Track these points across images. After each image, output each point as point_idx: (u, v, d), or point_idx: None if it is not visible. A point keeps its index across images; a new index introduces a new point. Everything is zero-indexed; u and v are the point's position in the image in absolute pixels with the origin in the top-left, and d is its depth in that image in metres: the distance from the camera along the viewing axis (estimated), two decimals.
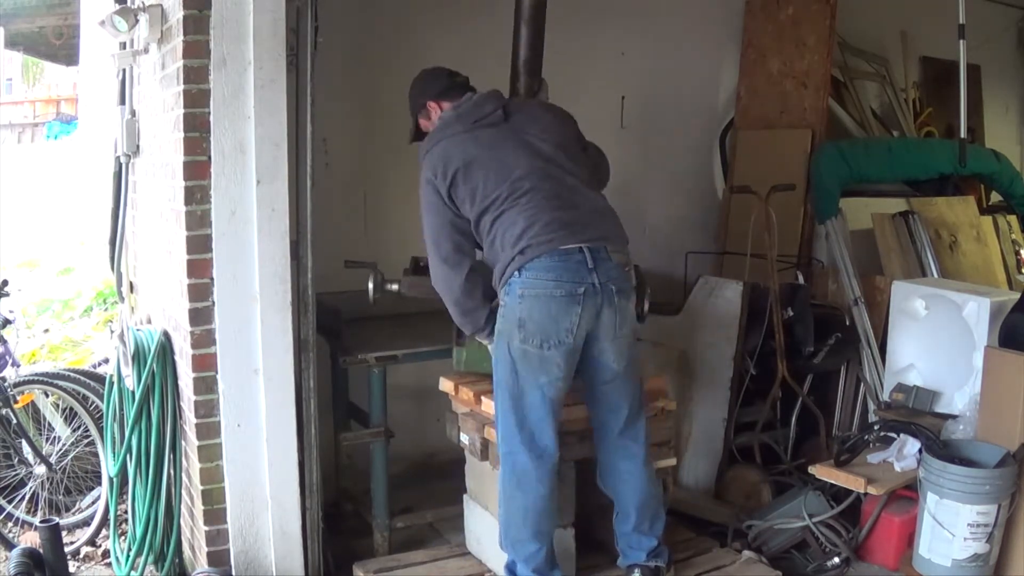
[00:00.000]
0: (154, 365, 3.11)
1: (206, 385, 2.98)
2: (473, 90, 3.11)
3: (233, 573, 3.04)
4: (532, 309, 2.78)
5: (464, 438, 3.20)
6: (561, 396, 2.88)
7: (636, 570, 3.06)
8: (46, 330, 4.94)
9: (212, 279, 2.93)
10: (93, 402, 3.74)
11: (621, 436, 3.00)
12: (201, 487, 3.03)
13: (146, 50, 3.25)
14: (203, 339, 2.95)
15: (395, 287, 3.21)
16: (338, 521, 3.66)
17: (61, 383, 3.75)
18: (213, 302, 2.94)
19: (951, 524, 3.01)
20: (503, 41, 3.44)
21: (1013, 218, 5.58)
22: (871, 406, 4.21)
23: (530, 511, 2.87)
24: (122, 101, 3.58)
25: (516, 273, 2.80)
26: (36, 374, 3.80)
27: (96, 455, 3.79)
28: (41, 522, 3.15)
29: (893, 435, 3.37)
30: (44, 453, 3.78)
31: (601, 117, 3.22)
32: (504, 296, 2.86)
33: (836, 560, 3.37)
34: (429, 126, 3.11)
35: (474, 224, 2.90)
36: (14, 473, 3.78)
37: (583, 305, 2.79)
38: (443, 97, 3.09)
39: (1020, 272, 5.36)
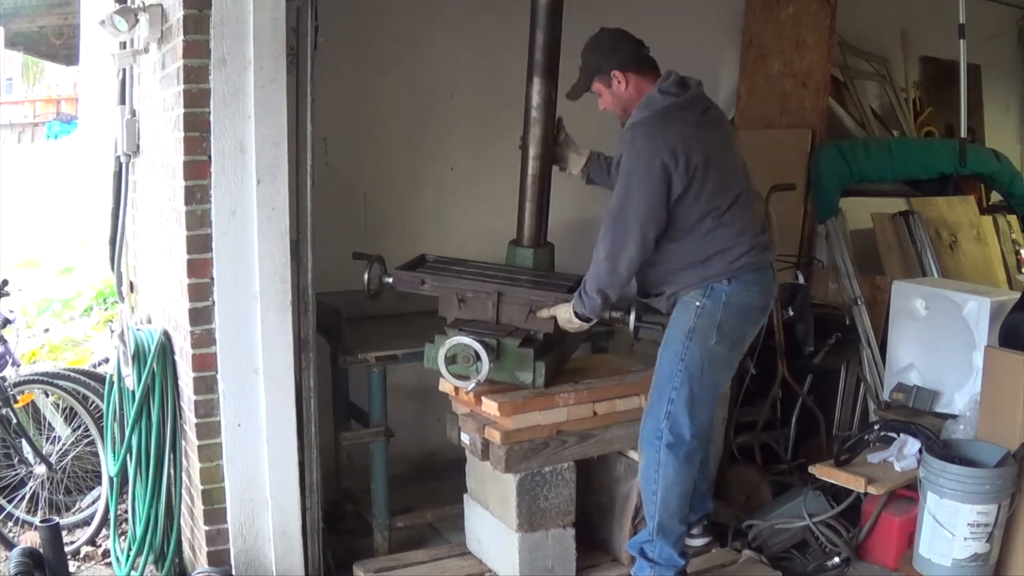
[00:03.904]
0: (154, 365, 3.11)
1: (206, 385, 2.98)
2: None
3: (233, 573, 3.04)
4: (734, 315, 2.92)
5: (465, 438, 3.19)
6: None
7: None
8: (46, 330, 4.94)
9: (212, 279, 2.93)
10: (93, 402, 3.74)
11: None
12: (201, 487, 3.03)
13: (146, 50, 3.25)
14: (203, 339, 2.95)
15: (390, 280, 3.24)
16: (338, 521, 3.66)
17: (61, 383, 3.75)
18: (213, 302, 2.94)
19: (951, 524, 3.01)
20: (508, 42, 3.43)
21: (1013, 218, 5.57)
22: (871, 406, 4.20)
23: (686, 495, 2.99)
24: (122, 101, 3.58)
25: (725, 282, 2.91)
26: (36, 374, 3.80)
27: (96, 455, 3.79)
28: (41, 522, 3.15)
29: (893, 435, 3.37)
30: (44, 453, 3.78)
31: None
32: (702, 298, 2.91)
33: (836, 560, 3.37)
34: (606, 92, 3.01)
35: (686, 224, 2.87)
36: (14, 473, 3.78)
37: (765, 316, 3.08)
38: (634, 68, 2.98)
39: (1020, 272, 5.36)
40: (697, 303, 2.91)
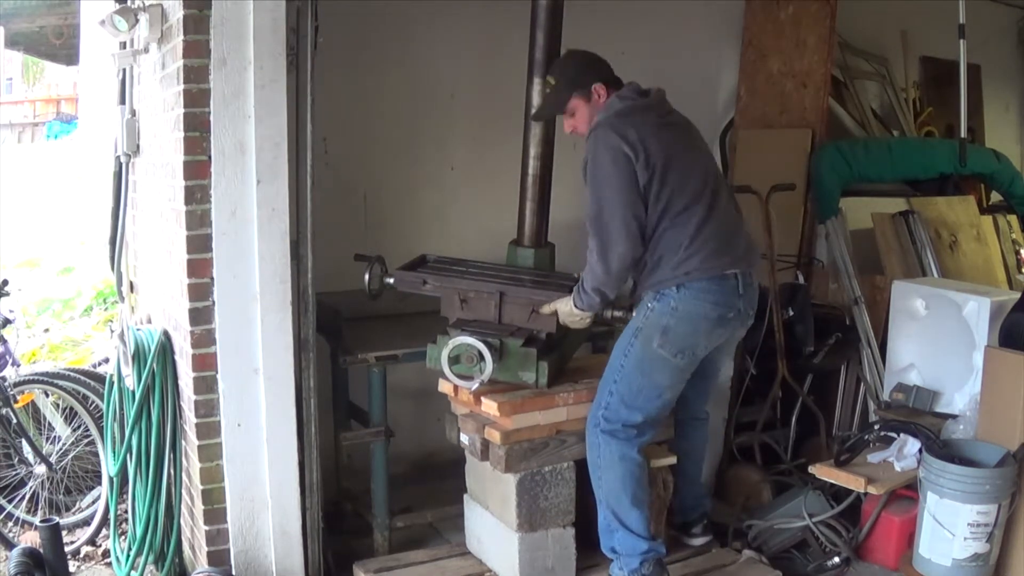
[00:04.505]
0: (154, 365, 3.11)
1: (206, 385, 2.98)
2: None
3: (233, 573, 3.04)
4: (681, 323, 2.89)
5: (464, 438, 3.19)
6: (676, 396, 3.03)
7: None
8: (46, 330, 4.94)
9: (212, 279, 2.93)
10: (93, 402, 3.74)
11: (699, 412, 3.33)
12: (201, 487, 3.03)
13: (146, 50, 3.25)
14: (203, 339, 2.95)
15: (392, 280, 3.25)
16: (338, 521, 3.66)
17: (61, 383, 3.75)
18: (213, 302, 2.94)
19: (951, 524, 3.01)
20: (508, 42, 3.42)
21: (1013, 218, 5.56)
22: (871, 406, 4.20)
23: (632, 477, 2.97)
24: (122, 101, 3.59)
25: (675, 288, 2.89)
26: (36, 374, 3.80)
27: (96, 455, 3.79)
28: (41, 522, 3.15)
29: (893, 435, 3.37)
30: (44, 453, 3.78)
31: None
32: (653, 300, 2.92)
33: (836, 560, 3.37)
34: (583, 108, 3.01)
35: (649, 221, 2.87)
36: (14, 473, 3.78)
37: (727, 328, 2.99)
38: (610, 83, 3.02)
39: (1020, 272, 5.36)
40: (648, 304, 2.94)
